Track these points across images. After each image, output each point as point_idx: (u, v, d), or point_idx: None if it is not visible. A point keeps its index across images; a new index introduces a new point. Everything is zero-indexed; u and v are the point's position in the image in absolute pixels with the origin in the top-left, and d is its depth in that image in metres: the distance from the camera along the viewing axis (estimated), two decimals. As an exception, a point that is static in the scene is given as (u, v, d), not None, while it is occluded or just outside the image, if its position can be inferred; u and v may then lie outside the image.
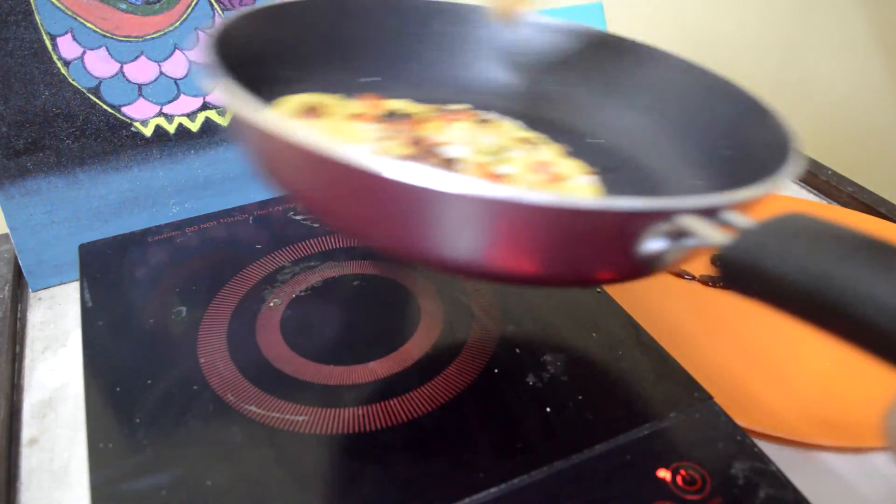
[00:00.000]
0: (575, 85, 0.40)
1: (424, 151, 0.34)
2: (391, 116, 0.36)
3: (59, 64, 0.46)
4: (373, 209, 0.23)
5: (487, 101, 0.40)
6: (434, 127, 0.36)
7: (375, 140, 0.35)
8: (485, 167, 0.33)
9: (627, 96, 0.39)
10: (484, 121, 0.38)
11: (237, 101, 0.24)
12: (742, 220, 0.22)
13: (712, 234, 0.21)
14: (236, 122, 0.27)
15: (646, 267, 0.24)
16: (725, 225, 0.22)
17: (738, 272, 0.21)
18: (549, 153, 0.36)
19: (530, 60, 0.41)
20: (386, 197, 0.22)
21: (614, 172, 0.36)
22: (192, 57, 0.49)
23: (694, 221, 0.22)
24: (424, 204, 0.22)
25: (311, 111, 0.36)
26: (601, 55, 0.40)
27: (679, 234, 0.22)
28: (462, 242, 0.23)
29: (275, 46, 0.35)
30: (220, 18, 0.35)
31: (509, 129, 0.38)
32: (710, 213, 0.22)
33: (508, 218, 0.22)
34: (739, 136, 0.33)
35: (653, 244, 0.23)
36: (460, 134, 0.36)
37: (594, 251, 0.24)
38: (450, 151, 0.34)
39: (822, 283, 0.18)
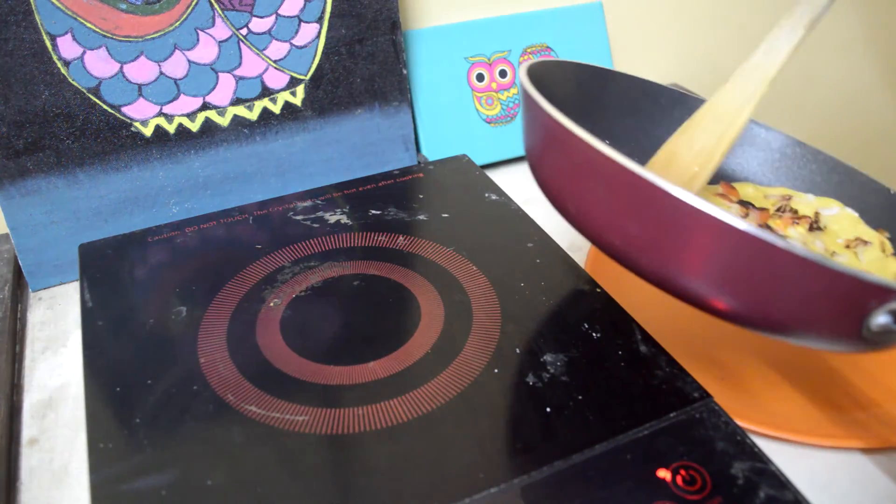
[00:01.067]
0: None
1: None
2: (746, 204, 0.44)
3: (59, 64, 0.46)
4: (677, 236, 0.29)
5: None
6: (777, 223, 0.43)
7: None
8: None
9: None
10: (817, 228, 0.43)
11: (557, 115, 0.31)
12: None
13: None
14: (548, 139, 0.33)
15: (863, 338, 0.28)
16: None
17: None
18: (873, 255, 0.41)
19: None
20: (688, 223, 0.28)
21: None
22: (192, 57, 0.49)
23: None
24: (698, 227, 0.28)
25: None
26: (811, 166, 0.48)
27: None
28: (717, 271, 0.29)
29: (559, 92, 0.42)
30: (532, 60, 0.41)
31: (845, 227, 0.43)
32: None
33: (769, 259, 0.27)
34: None
35: (880, 318, 0.27)
36: (796, 234, 0.42)
37: (827, 309, 0.28)
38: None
39: None
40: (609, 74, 0.47)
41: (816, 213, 0.44)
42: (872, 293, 0.27)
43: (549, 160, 0.35)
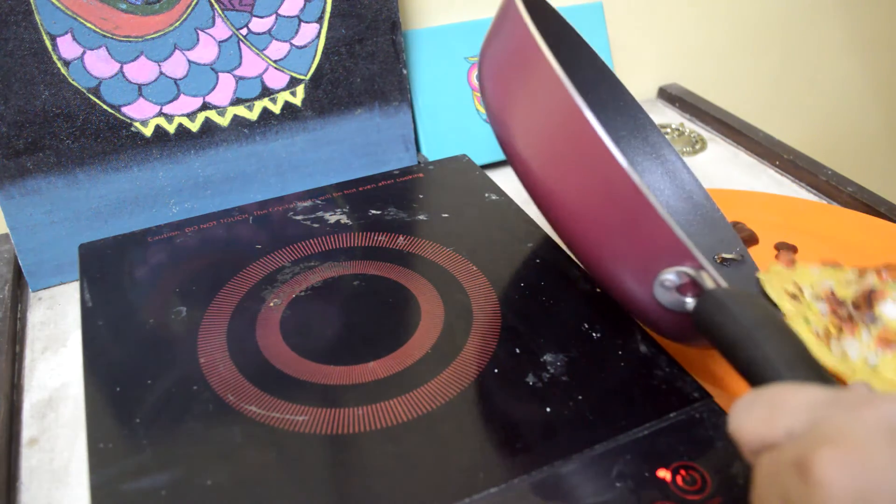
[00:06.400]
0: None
1: (852, 317, 0.39)
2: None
3: (59, 64, 0.46)
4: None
5: None
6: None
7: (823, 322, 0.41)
8: (888, 335, 0.38)
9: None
10: None
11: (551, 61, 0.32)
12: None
13: (707, 283, 0.31)
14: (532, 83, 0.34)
15: (654, 296, 0.32)
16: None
17: (704, 321, 0.30)
18: None
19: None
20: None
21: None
22: (192, 57, 0.49)
23: (706, 276, 0.31)
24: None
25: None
26: (706, 224, 0.49)
27: (685, 286, 0.31)
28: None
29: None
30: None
31: None
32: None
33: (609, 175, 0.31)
34: None
35: (669, 274, 0.31)
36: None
37: (634, 243, 0.32)
38: (886, 310, 0.38)
39: (739, 346, 0.28)
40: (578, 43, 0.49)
41: None
42: (672, 249, 0.31)
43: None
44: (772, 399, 0.23)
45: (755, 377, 0.27)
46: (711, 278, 0.31)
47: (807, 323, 0.39)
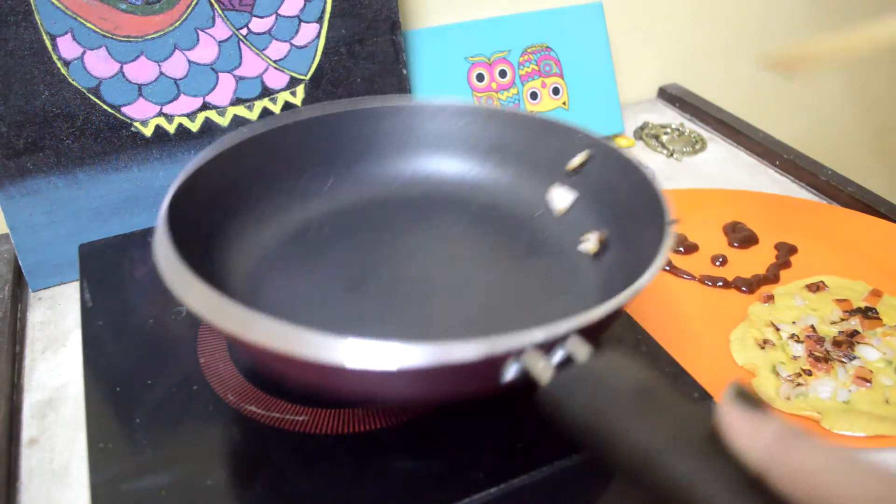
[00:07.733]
0: (516, 166, 0.44)
1: (833, 354, 0.41)
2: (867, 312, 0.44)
3: (59, 64, 0.46)
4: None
5: (438, 188, 0.44)
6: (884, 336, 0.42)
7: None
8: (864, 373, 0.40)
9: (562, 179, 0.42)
10: None
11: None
12: (581, 352, 0.25)
13: (542, 374, 0.25)
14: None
15: (513, 385, 0.27)
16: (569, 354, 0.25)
17: (550, 407, 0.25)
18: None
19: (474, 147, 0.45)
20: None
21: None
22: (192, 57, 0.49)
23: (532, 359, 0.25)
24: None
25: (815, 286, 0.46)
26: (537, 139, 0.43)
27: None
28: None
29: (220, 196, 0.39)
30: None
31: None
32: (552, 344, 0.25)
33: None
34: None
35: (509, 375, 0.26)
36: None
37: (474, 384, 0.28)
38: (867, 353, 0.41)
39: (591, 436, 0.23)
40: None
41: None
42: (483, 364, 0.25)
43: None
44: None
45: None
46: (540, 363, 0.25)
47: (775, 374, 0.40)
